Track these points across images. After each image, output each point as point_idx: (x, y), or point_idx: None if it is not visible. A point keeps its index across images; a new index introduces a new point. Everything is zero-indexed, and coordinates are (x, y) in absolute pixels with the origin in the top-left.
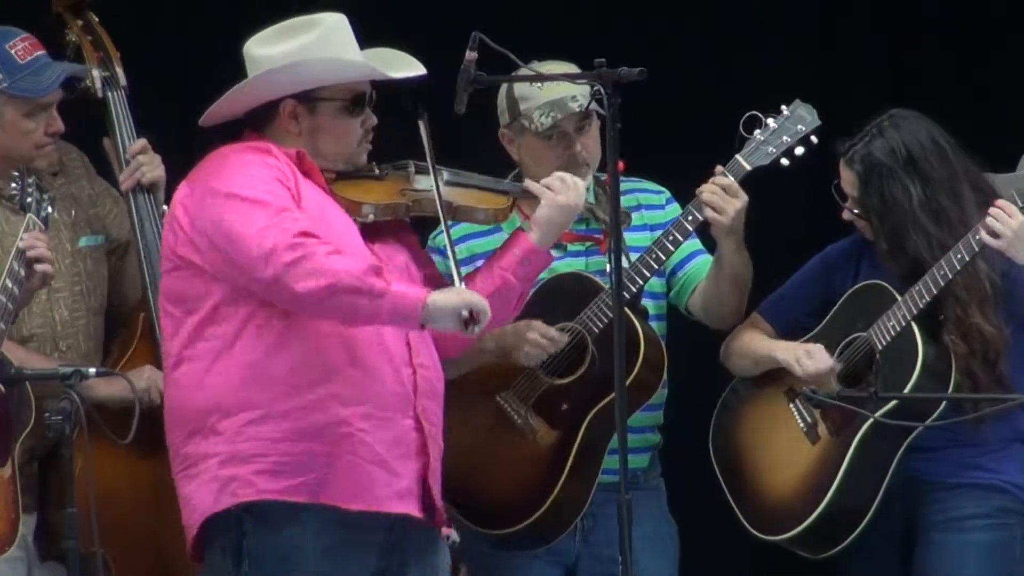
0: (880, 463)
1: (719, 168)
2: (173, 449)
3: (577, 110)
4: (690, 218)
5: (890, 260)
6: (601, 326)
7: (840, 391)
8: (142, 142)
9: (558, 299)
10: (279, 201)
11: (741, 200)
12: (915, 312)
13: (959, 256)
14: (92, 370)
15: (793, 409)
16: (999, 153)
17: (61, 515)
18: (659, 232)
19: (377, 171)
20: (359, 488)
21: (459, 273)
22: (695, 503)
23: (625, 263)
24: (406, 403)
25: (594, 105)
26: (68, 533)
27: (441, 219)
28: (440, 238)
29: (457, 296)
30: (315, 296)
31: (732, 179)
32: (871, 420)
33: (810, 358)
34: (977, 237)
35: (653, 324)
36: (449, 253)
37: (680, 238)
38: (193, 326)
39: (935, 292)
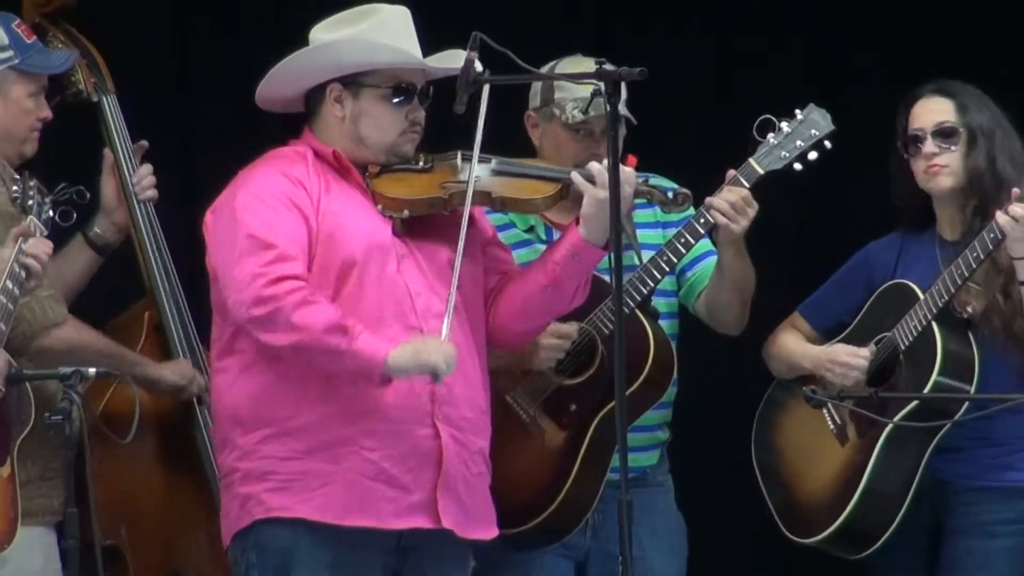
0: (908, 463)
1: (731, 173)
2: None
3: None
4: (702, 221)
5: (979, 184)
6: (611, 327)
7: (841, 391)
8: (149, 168)
9: None
10: (273, 238)
11: (754, 209)
12: (935, 311)
13: (975, 253)
14: (92, 370)
15: (824, 411)
16: None
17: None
18: (671, 229)
19: (422, 163)
20: (357, 505)
21: (449, 315)
22: (704, 499)
23: (636, 260)
24: (422, 414)
25: (626, 111)
26: (68, 533)
27: (464, 211)
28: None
29: (414, 358)
30: (282, 349)
31: (748, 191)
32: (891, 424)
33: (840, 366)
34: (992, 235)
35: (665, 322)
36: (466, 203)
37: (692, 240)
38: (228, 336)
39: (953, 291)
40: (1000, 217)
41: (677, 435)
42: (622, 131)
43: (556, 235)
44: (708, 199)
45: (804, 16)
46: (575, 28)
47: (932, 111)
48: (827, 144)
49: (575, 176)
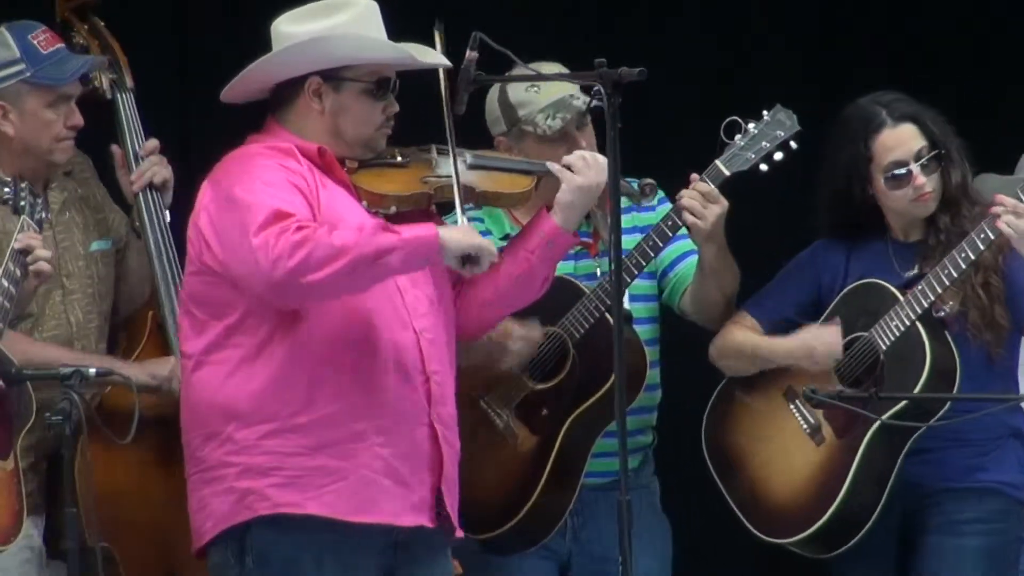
0: (886, 464)
1: (694, 176)
2: (189, 450)
3: (583, 108)
4: (669, 223)
5: (953, 197)
6: (583, 331)
7: (841, 391)
8: (154, 142)
9: (540, 303)
10: (289, 207)
11: (721, 206)
12: (919, 312)
13: (963, 255)
14: (92, 370)
15: (794, 410)
16: (998, 154)
17: (61, 514)
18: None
19: (399, 157)
20: (369, 501)
21: (463, 211)
22: (691, 501)
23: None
24: (421, 413)
25: (594, 101)
26: (68, 533)
27: (457, 205)
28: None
29: (467, 236)
30: (338, 277)
31: (712, 186)
32: (879, 422)
33: (823, 345)
34: (983, 235)
35: (646, 326)
36: (456, 194)
37: (660, 243)
38: (220, 331)
39: (939, 291)
40: (1001, 225)
41: (665, 437)
42: (590, 125)
43: None
44: (677, 197)
45: (804, 16)
46: (575, 28)
47: (907, 139)
48: (793, 145)
49: (550, 165)
